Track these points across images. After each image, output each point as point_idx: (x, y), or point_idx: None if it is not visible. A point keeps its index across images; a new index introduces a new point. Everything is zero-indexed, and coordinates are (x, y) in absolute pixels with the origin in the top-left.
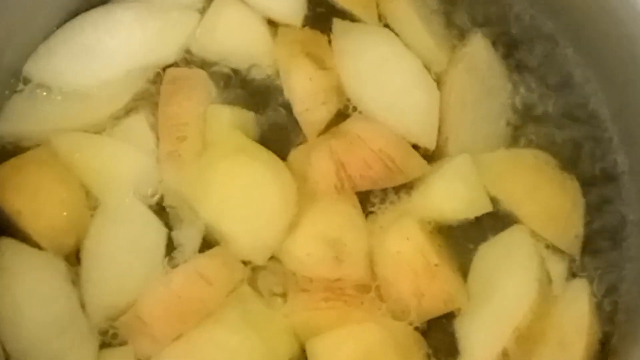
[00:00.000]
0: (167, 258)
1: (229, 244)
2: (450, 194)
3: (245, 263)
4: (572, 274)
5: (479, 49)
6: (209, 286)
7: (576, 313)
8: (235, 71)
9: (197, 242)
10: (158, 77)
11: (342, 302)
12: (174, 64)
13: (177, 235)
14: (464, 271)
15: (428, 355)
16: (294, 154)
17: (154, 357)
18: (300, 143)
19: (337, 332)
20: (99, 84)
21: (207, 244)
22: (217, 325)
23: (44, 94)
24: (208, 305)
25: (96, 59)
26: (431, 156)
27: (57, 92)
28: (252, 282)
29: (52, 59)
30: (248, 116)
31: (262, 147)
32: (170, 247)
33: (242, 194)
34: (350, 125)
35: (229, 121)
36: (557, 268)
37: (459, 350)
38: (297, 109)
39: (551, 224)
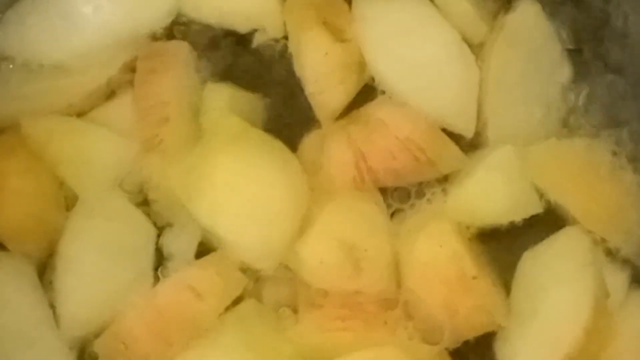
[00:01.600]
0: (159, 269)
1: (227, 250)
2: (492, 193)
3: (245, 272)
4: (633, 285)
5: (526, 15)
6: (199, 301)
7: (636, 331)
8: (235, 37)
9: (192, 248)
10: None
11: (362, 321)
12: (164, 31)
13: (168, 241)
14: (506, 284)
15: None
16: (307, 142)
17: None
18: (315, 129)
19: (350, 358)
20: (77, 57)
21: (207, 251)
22: (213, 348)
23: (11, 67)
24: (199, 323)
25: (73, 27)
26: (468, 146)
27: (26, 66)
28: (256, 295)
29: (21, 27)
30: (252, 99)
31: (267, 135)
32: (162, 255)
33: (243, 190)
34: (372, 109)
35: (228, 104)
36: (617, 279)
37: None
38: (310, 90)
39: (611, 224)
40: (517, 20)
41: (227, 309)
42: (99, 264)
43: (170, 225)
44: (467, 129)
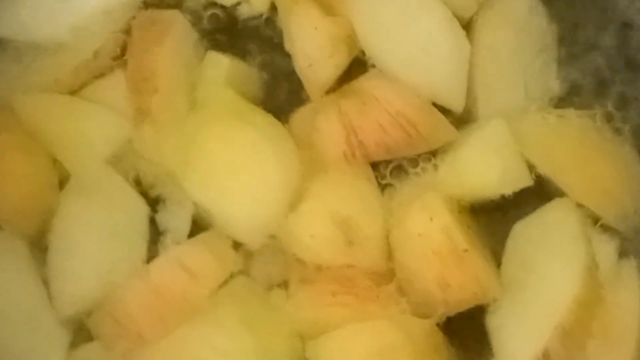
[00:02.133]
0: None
1: (219, 226)
2: (483, 166)
3: (237, 249)
4: (622, 256)
5: None
6: (192, 280)
7: (625, 302)
8: (220, 8)
9: (185, 225)
10: None
11: (354, 296)
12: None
13: (162, 218)
14: (497, 257)
15: (455, 357)
16: (297, 117)
17: (133, 356)
18: (305, 103)
19: (343, 332)
20: (69, 31)
21: (201, 229)
22: (208, 324)
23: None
24: (192, 302)
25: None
26: (458, 120)
27: (18, 45)
28: (247, 272)
29: (12, 5)
30: (250, 72)
31: (260, 111)
32: (157, 232)
33: (235, 165)
34: (363, 83)
35: (226, 75)
36: (607, 250)
37: (491, 351)
38: (300, 64)
39: (602, 196)
40: None
41: (220, 286)
42: (92, 241)
43: (163, 200)
44: (457, 104)
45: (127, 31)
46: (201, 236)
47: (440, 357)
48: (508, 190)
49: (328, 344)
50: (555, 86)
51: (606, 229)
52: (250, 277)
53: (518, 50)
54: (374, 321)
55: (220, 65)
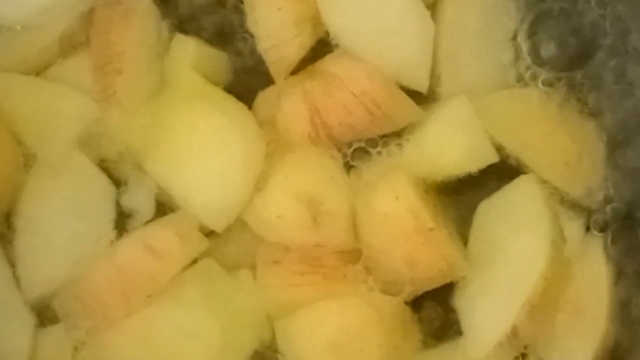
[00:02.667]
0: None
1: (184, 209)
2: (447, 144)
3: (204, 231)
4: (588, 230)
5: None
6: (158, 261)
7: (593, 275)
8: None
9: (150, 208)
10: None
11: (321, 276)
12: None
13: (127, 201)
14: (464, 235)
15: (423, 335)
16: (262, 98)
17: (97, 335)
18: (269, 85)
19: (310, 310)
20: (35, 14)
21: (166, 211)
22: (173, 303)
23: None
24: (157, 282)
25: None
26: (423, 100)
27: None
28: (214, 252)
29: None
30: (218, 56)
31: (226, 94)
32: (122, 215)
33: (199, 148)
34: (327, 64)
35: (192, 58)
36: (573, 225)
37: (460, 329)
38: (263, 45)
39: (565, 170)
40: None
41: (185, 267)
42: (59, 222)
43: (127, 183)
44: (421, 84)
45: (92, 12)
46: (167, 217)
47: (408, 334)
48: (473, 167)
49: (297, 323)
50: (520, 63)
51: (572, 205)
52: (216, 258)
53: (480, 30)
54: (342, 299)
55: (187, 48)
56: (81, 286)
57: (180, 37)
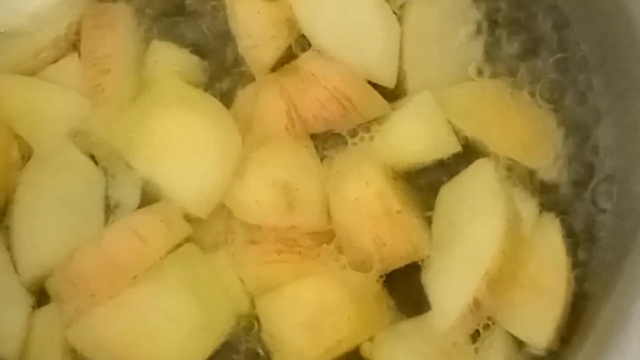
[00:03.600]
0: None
1: (168, 197)
2: (412, 135)
3: (188, 218)
4: (542, 210)
5: None
6: (143, 244)
7: (550, 254)
8: None
9: (135, 198)
10: None
11: (296, 254)
12: None
13: (113, 192)
14: (429, 218)
15: (393, 309)
16: (242, 94)
17: (84, 314)
18: (249, 82)
19: (289, 288)
20: (29, 20)
21: (153, 201)
22: (154, 285)
23: None
24: (141, 265)
25: None
26: (391, 95)
27: None
28: (196, 234)
29: None
30: (193, 61)
31: (204, 94)
32: (108, 206)
33: (180, 145)
34: (303, 62)
35: (170, 63)
36: (528, 206)
37: (428, 303)
38: (244, 45)
39: (523, 148)
40: None
41: (168, 252)
42: (52, 210)
43: (113, 175)
44: (389, 80)
45: (80, 20)
46: (153, 206)
47: (381, 308)
48: (437, 156)
49: (276, 300)
50: (478, 57)
51: (527, 186)
52: (197, 241)
53: (442, 29)
54: (317, 276)
55: (165, 54)
56: (71, 269)
57: (156, 44)
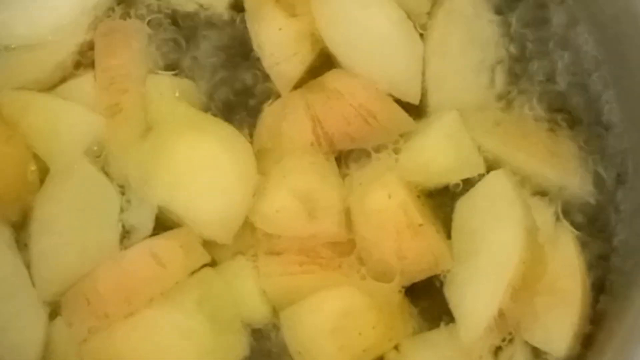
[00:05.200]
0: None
1: (187, 225)
2: (440, 155)
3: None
4: (558, 219)
5: None
6: (161, 268)
7: (565, 261)
8: (184, 15)
9: (149, 224)
10: None
11: (318, 266)
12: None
13: (129, 217)
14: (449, 232)
15: (417, 317)
16: (269, 111)
17: (101, 331)
18: (274, 99)
19: (312, 298)
20: (44, 35)
21: (164, 228)
22: (170, 306)
23: None
24: (158, 288)
25: (41, 8)
26: (414, 112)
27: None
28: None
29: None
30: (189, 85)
31: (210, 117)
32: (123, 231)
33: (195, 172)
34: (328, 79)
35: (172, 94)
36: (545, 215)
37: (452, 315)
38: (267, 63)
39: (546, 167)
40: None
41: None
42: (69, 227)
43: (128, 201)
44: (413, 96)
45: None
46: (173, 231)
47: (404, 317)
48: (462, 176)
49: (300, 310)
50: (501, 77)
51: (542, 196)
52: (218, 251)
53: (465, 47)
54: (339, 287)
55: (165, 86)
56: (87, 285)
57: (153, 77)
